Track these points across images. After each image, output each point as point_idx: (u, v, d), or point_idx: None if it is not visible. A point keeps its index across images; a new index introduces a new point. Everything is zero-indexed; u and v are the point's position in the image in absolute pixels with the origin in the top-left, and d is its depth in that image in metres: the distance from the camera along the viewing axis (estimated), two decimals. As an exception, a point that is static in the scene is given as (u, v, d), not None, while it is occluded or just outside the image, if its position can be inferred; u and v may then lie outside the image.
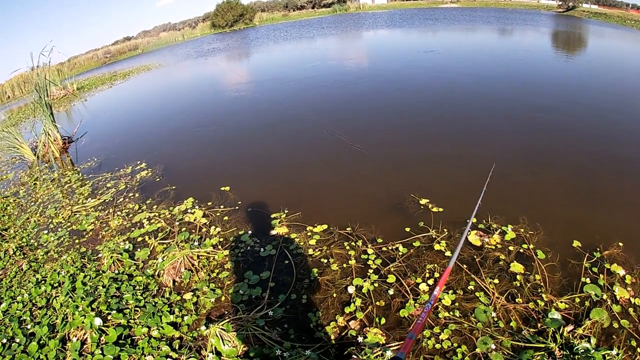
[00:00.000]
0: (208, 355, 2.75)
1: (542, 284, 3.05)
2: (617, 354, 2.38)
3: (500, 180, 4.72)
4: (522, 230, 3.66)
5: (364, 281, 3.29)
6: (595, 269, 3.12)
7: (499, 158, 5.21)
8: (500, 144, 5.69)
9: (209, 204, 4.98)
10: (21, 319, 3.41)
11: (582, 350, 2.42)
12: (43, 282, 3.90)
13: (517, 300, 2.92)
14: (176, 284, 3.65)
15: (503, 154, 5.36)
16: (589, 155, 5.15)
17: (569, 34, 18.84)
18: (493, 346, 2.56)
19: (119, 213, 5.16)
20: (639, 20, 22.83)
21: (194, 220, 4.66)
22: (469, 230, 2.18)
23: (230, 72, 17.22)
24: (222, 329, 2.81)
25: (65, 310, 3.31)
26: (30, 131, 9.90)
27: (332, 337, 2.84)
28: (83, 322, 3.09)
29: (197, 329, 3.03)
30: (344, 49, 19.18)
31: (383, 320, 2.90)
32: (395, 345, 2.66)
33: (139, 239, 4.49)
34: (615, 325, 2.64)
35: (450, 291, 3.07)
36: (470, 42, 16.74)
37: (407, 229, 3.90)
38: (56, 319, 3.28)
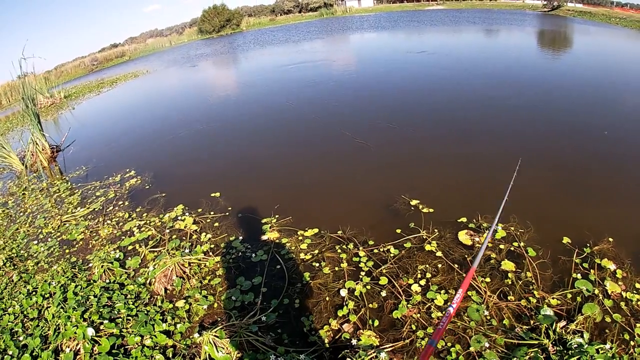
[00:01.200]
0: (202, 363, 2.74)
1: (533, 281, 3.07)
2: (611, 348, 2.40)
3: (490, 179, 4.76)
4: (512, 228, 3.69)
5: (356, 284, 3.29)
6: (585, 265, 3.15)
7: (491, 158, 5.27)
8: (489, 144, 5.72)
9: (199, 210, 4.95)
10: (13, 330, 3.36)
11: (576, 345, 2.43)
12: (34, 293, 3.85)
13: (509, 298, 2.94)
14: (168, 292, 3.62)
15: (494, 153, 5.40)
16: (578, 151, 5.20)
17: (555, 33, 19.03)
18: (487, 344, 2.57)
19: (108, 222, 5.11)
20: (623, 17, 23.10)
21: (185, 227, 4.63)
22: (495, 227, 2.19)
23: (216, 76, 17.21)
24: (215, 335, 2.79)
25: (57, 321, 3.26)
26: (18, 140, 9.79)
27: (326, 340, 2.83)
28: (75, 333, 3.05)
29: (191, 337, 3.01)
30: (331, 51, 19.21)
31: (376, 322, 2.91)
32: (389, 347, 2.66)
33: (130, 248, 4.45)
34: (608, 319, 2.66)
35: (442, 291, 3.09)
36: (459, 43, 16.86)
37: (398, 231, 3.91)
38: (48, 330, 3.23)
